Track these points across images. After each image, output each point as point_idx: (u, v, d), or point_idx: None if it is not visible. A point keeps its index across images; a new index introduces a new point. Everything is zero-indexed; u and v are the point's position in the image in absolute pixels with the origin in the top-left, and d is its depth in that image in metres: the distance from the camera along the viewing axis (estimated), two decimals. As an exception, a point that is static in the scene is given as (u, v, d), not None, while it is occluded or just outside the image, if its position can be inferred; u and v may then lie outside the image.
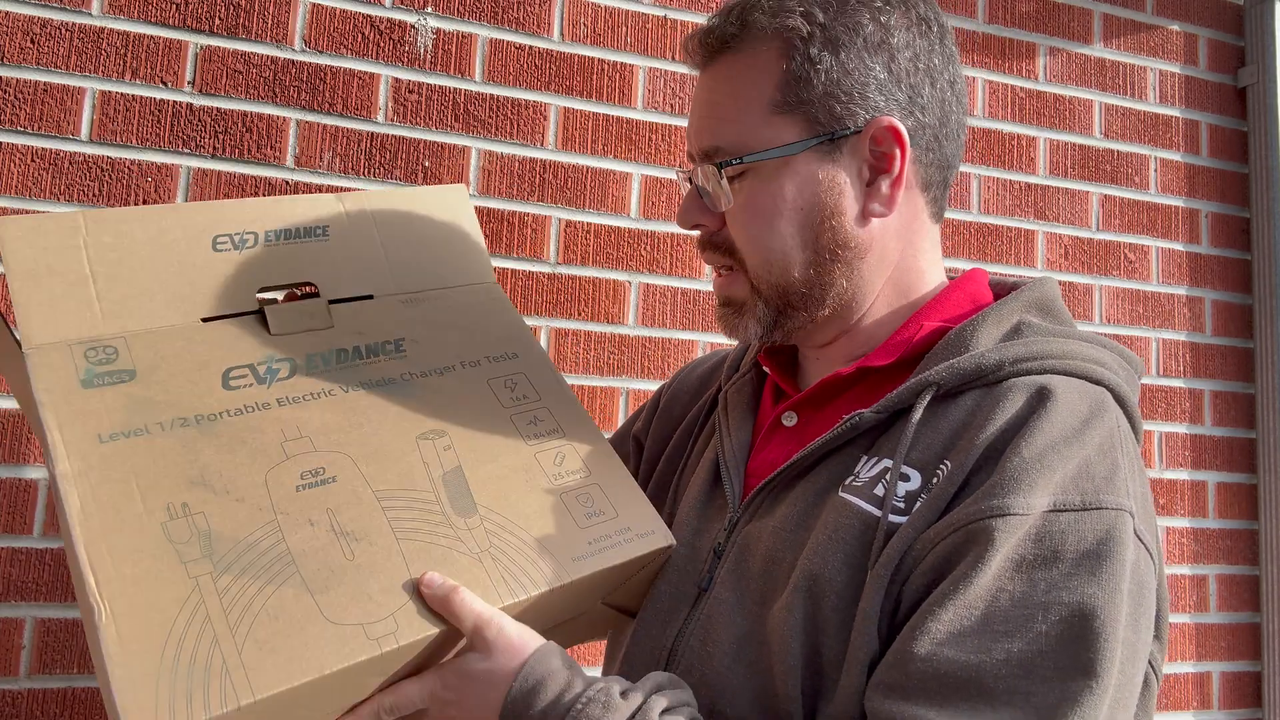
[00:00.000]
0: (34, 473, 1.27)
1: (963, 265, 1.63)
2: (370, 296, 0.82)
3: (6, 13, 1.31)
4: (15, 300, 0.70)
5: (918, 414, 0.71)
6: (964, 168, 1.77)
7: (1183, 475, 1.85)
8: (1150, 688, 0.71)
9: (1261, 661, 1.85)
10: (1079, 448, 0.66)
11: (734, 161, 0.75)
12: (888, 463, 0.71)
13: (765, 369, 0.88)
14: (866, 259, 0.78)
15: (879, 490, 0.70)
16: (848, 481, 0.72)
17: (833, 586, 0.67)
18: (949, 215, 1.75)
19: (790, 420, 0.82)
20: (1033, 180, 1.82)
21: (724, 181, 0.76)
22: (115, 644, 0.58)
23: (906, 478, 0.69)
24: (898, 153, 0.75)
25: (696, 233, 0.83)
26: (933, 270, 0.83)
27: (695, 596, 0.77)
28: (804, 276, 0.77)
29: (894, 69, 0.76)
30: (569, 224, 1.53)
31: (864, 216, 0.77)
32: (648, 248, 1.57)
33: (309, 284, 0.80)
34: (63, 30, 1.33)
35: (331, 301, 0.80)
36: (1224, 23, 2.00)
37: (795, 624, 0.68)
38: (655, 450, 0.97)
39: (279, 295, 0.81)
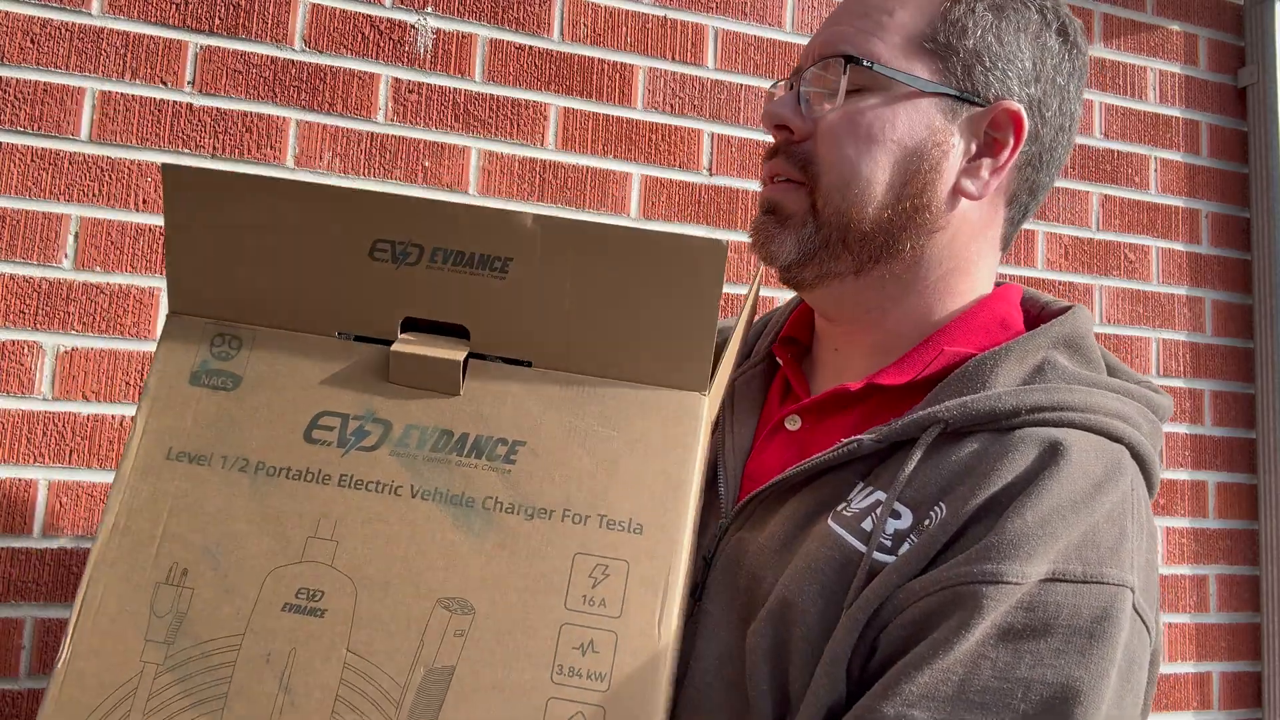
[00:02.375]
0: (34, 473, 1.27)
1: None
2: (528, 363, 0.65)
3: (6, 13, 1.31)
4: (168, 253, 0.66)
5: (919, 451, 0.66)
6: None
7: (1183, 475, 1.85)
8: None
9: (1261, 661, 1.85)
10: (1087, 514, 0.62)
11: (868, 65, 0.71)
12: (880, 495, 0.66)
13: (779, 360, 0.83)
14: (935, 237, 0.74)
15: (867, 524, 0.65)
16: (839, 508, 0.68)
17: (805, 617, 0.64)
18: (949, 215, 1.75)
19: (794, 425, 0.77)
20: (1033, 180, 1.82)
21: (845, 81, 0.71)
22: (53, 699, 0.57)
23: (898, 515, 0.65)
24: (1011, 142, 0.72)
25: (769, 140, 0.78)
26: (975, 291, 0.78)
27: (688, 606, 0.73)
28: (874, 217, 0.72)
29: (1039, 67, 0.73)
30: (569, 224, 1.53)
31: (955, 191, 0.73)
32: (648, 248, 1.57)
33: (462, 328, 0.65)
34: (63, 30, 1.33)
35: (473, 356, 0.65)
36: (1224, 23, 2.00)
37: (764, 650, 0.65)
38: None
39: (421, 333, 0.67)
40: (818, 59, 0.74)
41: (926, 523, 0.63)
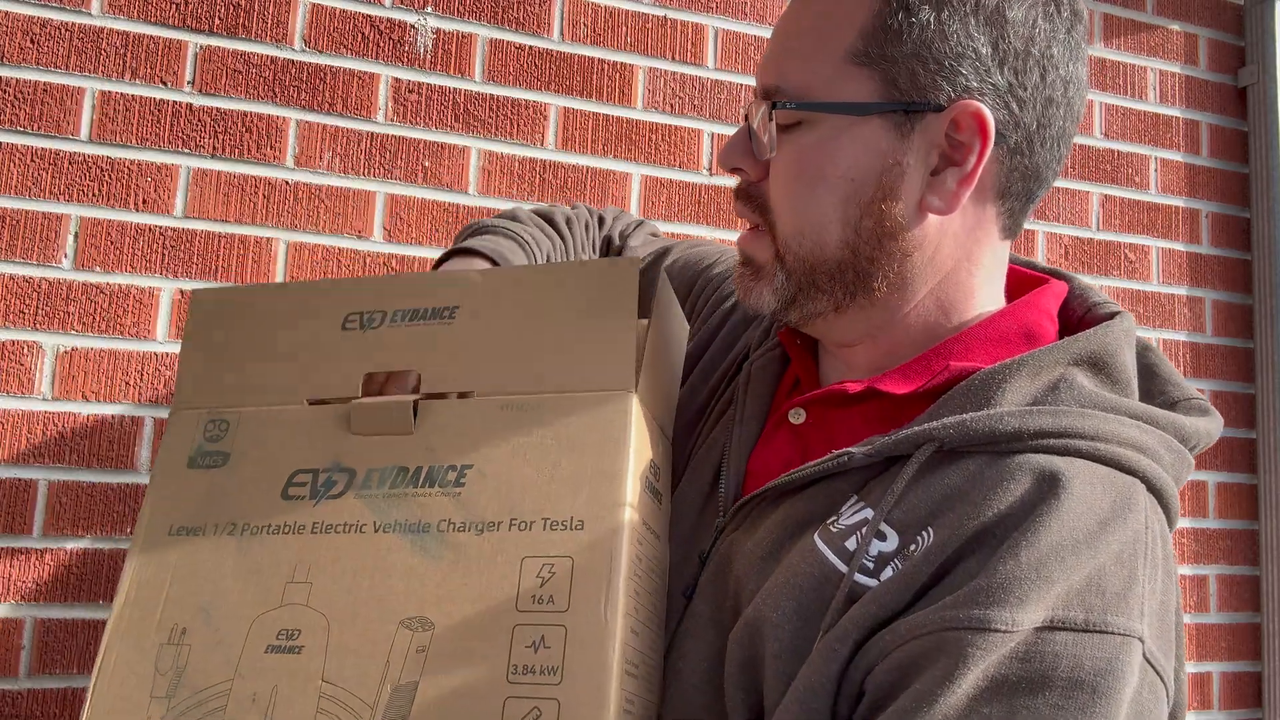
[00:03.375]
0: (34, 473, 1.27)
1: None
2: (471, 394, 0.70)
3: (6, 13, 1.31)
4: (180, 363, 0.76)
5: (911, 470, 0.62)
6: (964, 168, 1.77)
7: (1183, 475, 1.85)
8: None
9: (1261, 662, 1.85)
10: (1091, 555, 0.56)
11: (790, 106, 0.65)
12: (868, 514, 0.62)
13: (789, 351, 0.79)
14: (912, 258, 0.67)
15: (851, 544, 0.61)
16: (829, 522, 0.64)
17: (778, 633, 0.60)
18: (949, 215, 1.75)
19: (797, 418, 0.73)
20: (1033, 180, 1.82)
21: (773, 125, 0.66)
22: None
23: (883, 536, 0.61)
24: (977, 145, 0.64)
25: (735, 180, 0.74)
26: (988, 291, 0.72)
27: (682, 605, 0.71)
28: (837, 256, 0.67)
29: (1001, 47, 0.64)
30: (569, 224, 1.53)
31: (920, 209, 0.66)
32: (648, 248, 1.57)
33: (415, 372, 0.71)
34: (62, 30, 1.33)
35: (425, 396, 0.70)
36: (1224, 23, 2.00)
37: (738, 662, 0.62)
38: (694, 351, 0.86)
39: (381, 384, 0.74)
40: (761, 89, 0.69)
41: (912, 548, 0.60)
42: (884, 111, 0.65)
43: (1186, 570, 1.83)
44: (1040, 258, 1.80)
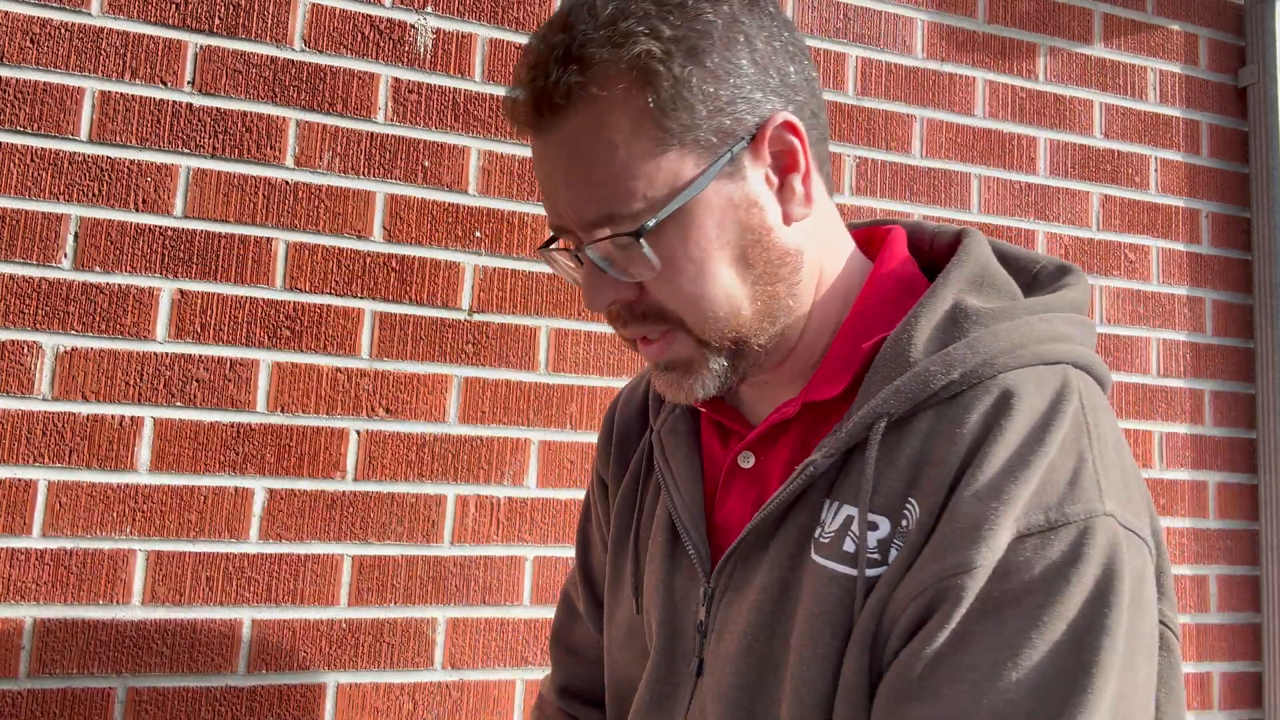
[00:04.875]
0: (34, 473, 1.27)
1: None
2: None
3: (6, 13, 1.31)
4: None
5: (873, 452, 0.64)
6: (964, 168, 1.77)
7: (1183, 475, 1.85)
8: (1171, 649, 0.68)
9: (1261, 662, 1.85)
10: (1040, 459, 0.60)
11: (650, 224, 0.64)
12: (850, 510, 0.65)
13: (699, 407, 0.79)
14: (803, 266, 0.70)
15: (849, 545, 0.64)
16: (817, 535, 0.66)
17: (829, 665, 0.63)
18: (949, 215, 1.75)
19: (747, 462, 0.74)
20: (1033, 180, 1.82)
21: (646, 249, 0.65)
22: None
23: (874, 526, 0.63)
24: (798, 146, 0.67)
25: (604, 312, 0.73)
26: (844, 242, 0.76)
27: (692, 681, 0.72)
28: (755, 311, 0.69)
29: (758, 58, 0.67)
30: (569, 224, 1.53)
31: (787, 223, 0.69)
32: (648, 248, 1.57)
33: None
34: (63, 30, 1.33)
35: None
36: (1224, 23, 2.00)
37: (810, 706, 0.63)
38: (612, 499, 0.89)
39: None
40: (581, 227, 0.68)
41: (904, 524, 0.62)
42: (717, 173, 0.66)
43: (1186, 570, 1.83)
44: (1040, 258, 1.80)
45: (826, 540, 0.65)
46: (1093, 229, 1.84)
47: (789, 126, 0.67)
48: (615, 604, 0.86)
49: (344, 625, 1.37)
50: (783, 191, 0.68)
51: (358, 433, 1.40)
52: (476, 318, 1.47)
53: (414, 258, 1.45)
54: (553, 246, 0.74)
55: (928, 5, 1.78)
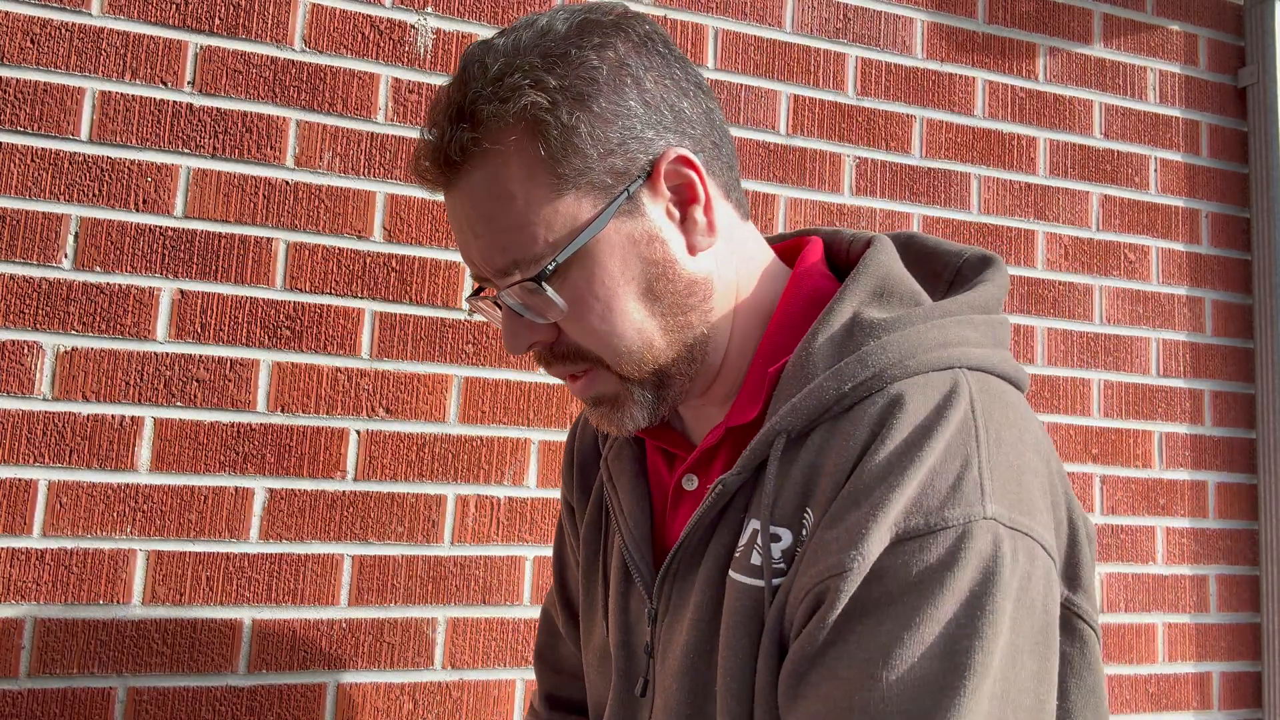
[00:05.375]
0: (34, 473, 1.27)
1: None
2: None
3: (6, 13, 1.31)
4: None
5: (773, 468, 0.66)
6: (964, 168, 1.77)
7: (1183, 475, 1.85)
8: (1084, 639, 0.68)
9: (1261, 662, 1.85)
10: (919, 464, 0.60)
11: (550, 268, 0.66)
12: (756, 524, 0.67)
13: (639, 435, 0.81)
14: (714, 294, 0.72)
15: (755, 559, 0.66)
16: (736, 554, 0.68)
17: (748, 674, 0.65)
18: (948, 215, 1.75)
19: (691, 484, 0.76)
20: (1033, 180, 1.82)
21: (549, 291, 0.67)
22: None
23: (777, 538, 0.65)
24: (695, 178, 0.69)
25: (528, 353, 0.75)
26: (760, 261, 0.77)
27: (648, 704, 0.74)
28: (668, 342, 0.70)
29: (647, 98, 0.69)
30: (569, 224, 1.53)
31: (692, 253, 0.70)
32: (648, 248, 1.57)
33: None
34: (63, 30, 1.33)
35: None
36: (1224, 23, 2.00)
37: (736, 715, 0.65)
38: (581, 525, 0.91)
39: None
40: (494, 274, 0.70)
41: (803, 534, 0.64)
42: (614, 213, 0.67)
43: (1186, 570, 1.83)
44: (1040, 258, 1.80)
45: (739, 554, 0.67)
46: (1092, 229, 1.85)
47: (683, 160, 0.69)
48: (590, 629, 0.88)
49: (344, 625, 1.37)
50: (685, 223, 0.70)
51: (358, 433, 1.40)
52: (477, 318, 1.47)
53: (414, 258, 1.45)
54: (478, 295, 0.76)
55: (928, 5, 1.79)
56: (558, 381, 1.50)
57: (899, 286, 0.72)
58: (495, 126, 0.66)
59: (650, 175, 0.68)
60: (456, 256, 1.47)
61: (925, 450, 0.61)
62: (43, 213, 1.30)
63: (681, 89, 0.71)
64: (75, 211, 1.31)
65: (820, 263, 0.77)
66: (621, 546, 0.78)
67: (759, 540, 0.65)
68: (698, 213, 0.70)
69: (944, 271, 0.79)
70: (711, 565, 0.70)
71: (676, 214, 0.70)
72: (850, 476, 0.62)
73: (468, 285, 1.48)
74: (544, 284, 0.67)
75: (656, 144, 0.69)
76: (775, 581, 0.64)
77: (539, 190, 0.66)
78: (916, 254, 0.81)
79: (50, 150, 1.31)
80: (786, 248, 0.83)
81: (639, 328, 0.69)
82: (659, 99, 0.69)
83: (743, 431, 0.72)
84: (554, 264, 0.66)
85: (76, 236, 1.31)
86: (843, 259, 0.79)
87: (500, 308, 0.73)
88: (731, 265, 0.74)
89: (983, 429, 0.63)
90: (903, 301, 0.71)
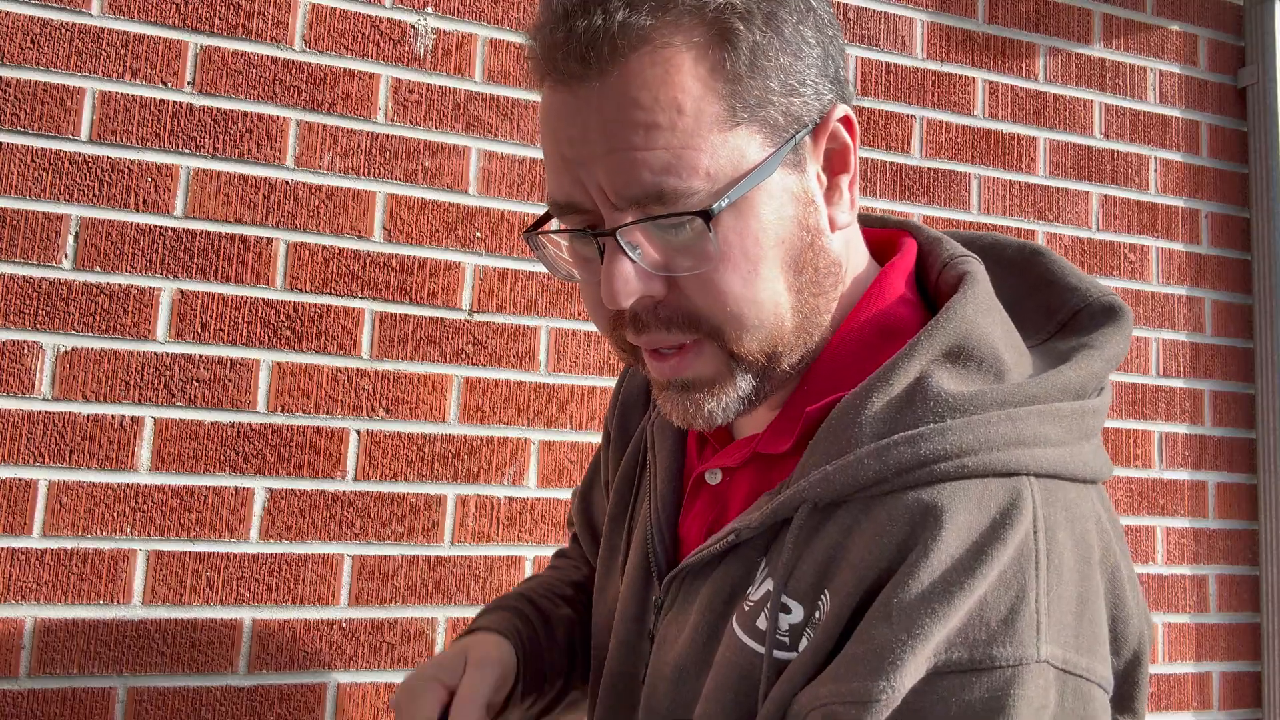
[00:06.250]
0: (34, 473, 1.27)
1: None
2: None
3: (6, 13, 1.31)
4: None
5: (793, 536, 0.58)
6: (964, 168, 1.77)
7: (1183, 475, 1.85)
8: None
9: (1261, 661, 1.85)
10: (969, 591, 0.52)
11: (723, 205, 0.54)
12: (770, 586, 0.59)
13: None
14: (840, 282, 0.63)
15: (761, 622, 0.59)
16: (742, 603, 0.62)
17: None
18: (948, 215, 1.75)
19: (714, 479, 0.69)
20: (1033, 180, 1.82)
21: (713, 235, 0.55)
22: None
23: (788, 609, 0.58)
24: (852, 146, 0.60)
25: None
26: (863, 260, 0.67)
27: (638, 686, 0.71)
28: (796, 325, 0.60)
29: (826, 45, 0.59)
30: (569, 224, 1.53)
31: (834, 230, 0.61)
32: (648, 248, 1.57)
33: None
34: (63, 30, 1.33)
35: None
36: (1224, 23, 2.00)
37: None
38: (616, 463, 0.85)
39: None
40: (615, 203, 0.56)
41: (817, 615, 0.57)
42: (782, 158, 0.57)
43: (1186, 570, 1.83)
44: (1040, 258, 1.80)
45: (748, 609, 0.61)
46: (1092, 229, 1.85)
47: (847, 122, 0.60)
48: (606, 577, 0.82)
49: (344, 625, 1.37)
50: (830, 193, 0.61)
51: (358, 433, 1.40)
52: (476, 318, 1.47)
53: (414, 258, 1.45)
54: (548, 228, 0.63)
55: (927, 5, 1.79)
56: (559, 380, 1.50)
57: (980, 349, 0.60)
58: (679, 17, 0.54)
59: (817, 128, 0.59)
60: (457, 257, 1.47)
61: (976, 577, 0.52)
62: (43, 213, 1.30)
63: (839, 45, 0.61)
64: (75, 211, 1.31)
65: (907, 279, 0.66)
66: (646, 521, 0.72)
67: (769, 606, 0.59)
68: (844, 184, 0.61)
69: (1058, 311, 0.68)
70: (716, 587, 0.65)
71: (824, 181, 0.60)
72: (882, 583, 0.54)
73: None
74: (711, 225, 0.54)
75: (826, 96, 0.59)
76: (778, 654, 0.58)
77: (712, 109, 0.54)
78: (1036, 280, 0.70)
79: (50, 150, 1.31)
80: (878, 239, 0.72)
81: (776, 300, 0.58)
82: (833, 49, 0.60)
83: (771, 459, 0.65)
84: (727, 200, 0.54)
85: (77, 236, 1.31)
86: (931, 282, 0.68)
87: (601, 247, 0.58)
88: (848, 255, 0.64)
89: (1044, 555, 0.54)
90: (981, 369, 0.60)
